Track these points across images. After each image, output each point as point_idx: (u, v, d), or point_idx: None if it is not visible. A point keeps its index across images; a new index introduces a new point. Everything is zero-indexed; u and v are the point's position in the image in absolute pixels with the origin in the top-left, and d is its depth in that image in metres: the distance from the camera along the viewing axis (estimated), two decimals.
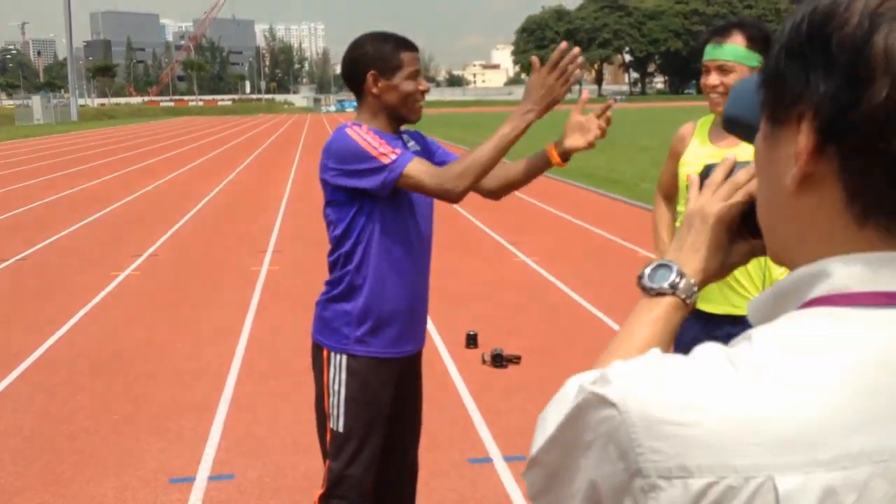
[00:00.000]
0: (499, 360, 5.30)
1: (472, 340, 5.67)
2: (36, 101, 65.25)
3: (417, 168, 2.41)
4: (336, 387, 2.53)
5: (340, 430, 2.53)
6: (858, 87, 0.64)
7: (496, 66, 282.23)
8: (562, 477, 0.75)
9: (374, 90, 2.52)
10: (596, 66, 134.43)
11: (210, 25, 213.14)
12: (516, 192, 2.89)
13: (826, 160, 0.68)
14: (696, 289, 0.90)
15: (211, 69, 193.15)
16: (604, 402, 0.68)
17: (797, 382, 0.64)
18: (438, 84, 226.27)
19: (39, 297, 7.42)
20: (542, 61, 2.37)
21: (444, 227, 11.46)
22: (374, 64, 2.50)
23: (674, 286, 0.89)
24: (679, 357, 0.69)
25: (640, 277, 0.94)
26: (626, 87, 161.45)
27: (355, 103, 2.65)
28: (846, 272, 0.68)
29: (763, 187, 0.77)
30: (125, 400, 4.85)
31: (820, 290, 0.69)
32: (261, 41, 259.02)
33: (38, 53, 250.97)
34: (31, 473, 3.91)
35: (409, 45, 2.55)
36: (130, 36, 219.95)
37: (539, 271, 8.10)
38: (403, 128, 2.67)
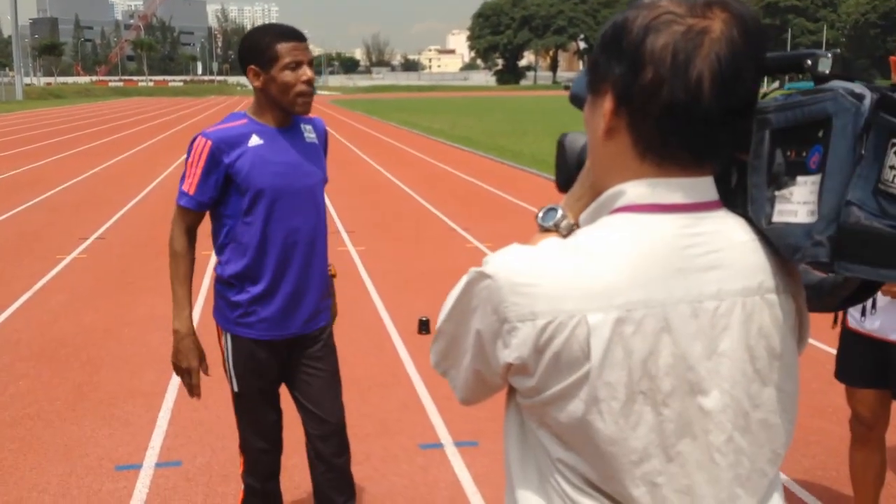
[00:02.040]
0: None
1: (424, 326, 5.66)
2: None
3: (176, 213, 2.69)
4: (228, 357, 2.81)
5: (236, 389, 2.82)
6: (636, 71, 1.00)
7: (452, 52, 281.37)
8: (458, 339, 1.11)
9: (257, 84, 2.58)
10: (551, 53, 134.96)
11: (160, 4, 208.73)
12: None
13: (620, 118, 1.03)
14: (574, 225, 1.16)
15: (161, 49, 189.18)
16: (483, 275, 1.04)
17: (599, 256, 1.01)
18: (394, 68, 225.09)
19: None
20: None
21: (396, 213, 11.43)
22: (253, 58, 2.56)
23: (556, 224, 1.16)
24: (535, 245, 1.04)
25: (536, 217, 1.25)
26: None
27: None
28: (634, 191, 1.04)
29: (589, 140, 1.11)
30: (70, 386, 4.75)
31: (619, 203, 1.05)
32: (213, 21, 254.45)
33: None
34: None
35: (287, 36, 2.56)
36: (78, 14, 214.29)
37: None
38: (310, 116, 2.76)
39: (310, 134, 2.74)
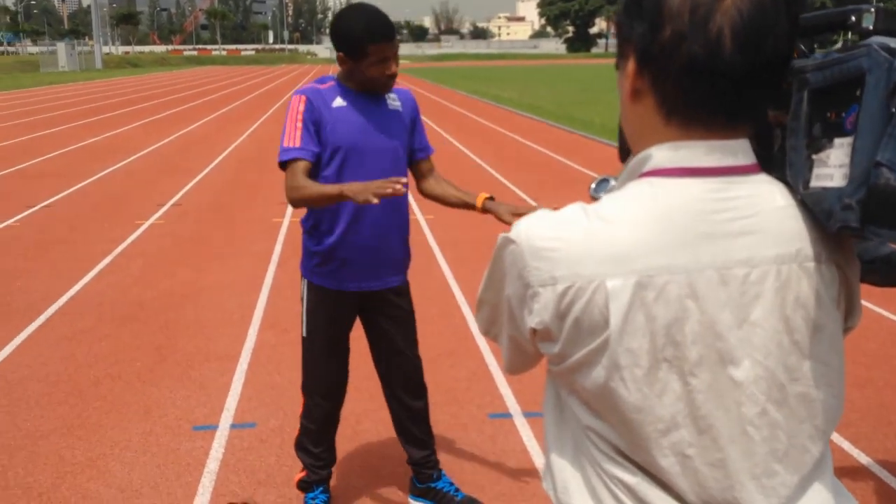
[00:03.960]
0: None
1: None
2: (61, 48, 65.18)
3: (290, 168, 2.70)
4: (303, 302, 2.98)
5: (305, 334, 3.01)
6: (656, 29, 0.98)
7: (521, 19, 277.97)
8: (497, 306, 1.12)
9: (344, 67, 2.74)
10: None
11: None
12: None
13: (643, 78, 1.02)
14: None
15: (234, 18, 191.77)
16: (509, 240, 1.06)
17: (619, 221, 0.99)
18: (462, 36, 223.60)
19: (64, 245, 7.48)
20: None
21: (464, 182, 11.39)
22: (343, 47, 2.69)
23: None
24: (560, 209, 1.04)
25: (590, 188, 1.28)
26: None
27: None
28: (659, 155, 1.02)
29: (620, 103, 1.09)
30: (149, 348, 4.91)
31: (646, 167, 1.03)
32: None
33: (63, 0, 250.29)
34: (57, 418, 3.98)
35: (377, 38, 2.64)
36: None
37: None
38: (398, 87, 2.90)
39: (394, 102, 2.87)
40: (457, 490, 3.22)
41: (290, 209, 9.02)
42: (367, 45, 2.63)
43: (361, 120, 2.75)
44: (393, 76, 2.73)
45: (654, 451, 1.00)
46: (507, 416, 3.96)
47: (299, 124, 2.70)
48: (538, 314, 1.01)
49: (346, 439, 3.68)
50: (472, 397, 4.19)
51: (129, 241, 7.63)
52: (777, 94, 1.01)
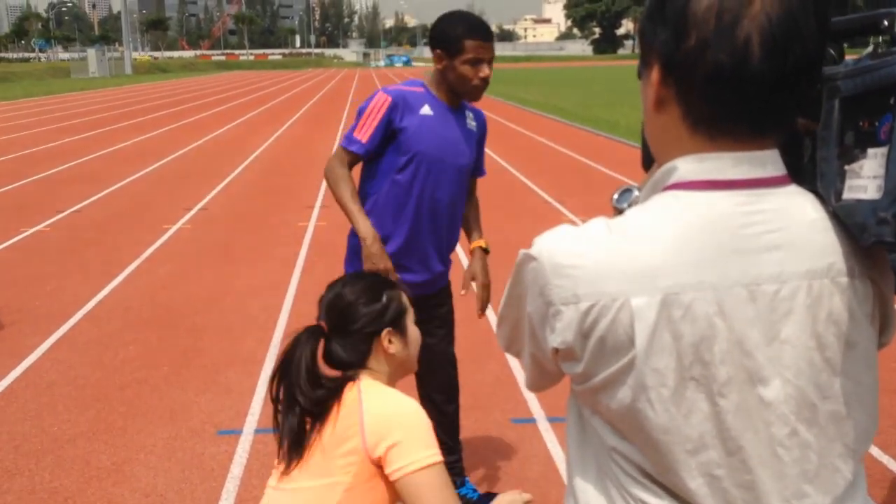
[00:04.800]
0: None
1: None
2: (91, 54, 66.11)
3: (339, 151, 2.85)
4: None
5: None
6: (680, 36, 0.94)
7: (547, 21, 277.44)
8: (518, 322, 1.08)
9: (439, 66, 2.82)
10: None
11: None
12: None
13: (668, 88, 0.97)
14: None
15: (261, 23, 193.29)
16: (529, 257, 1.02)
17: (644, 237, 0.96)
18: None
19: (93, 249, 7.57)
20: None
21: (489, 184, 11.38)
22: (440, 44, 2.79)
23: (632, 205, 1.13)
24: (581, 225, 1.00)
25: (612, 199, 1.25)
26: None
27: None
28: (685, 167, 0.98)
29: (644, 114, 1.05)
30: (175, 352, 4.94)
31: (671, 180, 0.99)
32: None
33: (94, 6, 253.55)
34: (84, 422, 4.02)
35: (476, 34, 2.76)
36: None
37: None
38: (478, 106, 3.01)
39: (471, 122, 2.97)
40: (480, 497, 3.20)
41: (315, 213, 9.06)
42: (463, 41, 2.73)
43: (444, 132, 2.84)
44: (485, 80, 2.79)
45: (683, 472, 0.97)
46: (531, 420, 3.94)
47: (376, 123, 2.77)
48: (561, 333, 0.98)
49: None
50: (497, 402, 4.17)
51: (156, 245, 7.70)
52: (806, 102, 0.97)
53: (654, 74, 0.98)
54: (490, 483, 3.39)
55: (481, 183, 3.22)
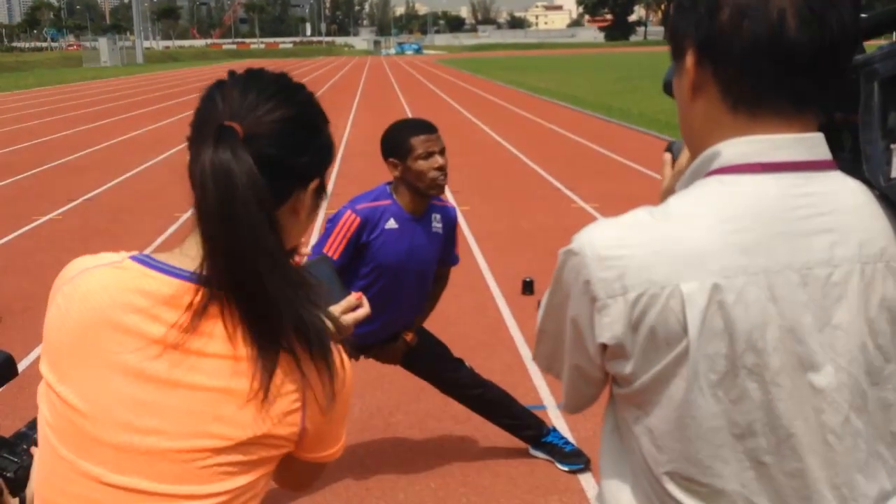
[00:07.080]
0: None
1: (528, 287, 5.64)
2: (103, 43, 66.27)
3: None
4: None
5: None
6: (713, 13, 0.93)
7: (559, 8, 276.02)
8: (559, 335, 1.04)
9: (396, 173, 2.96)
10: (663, 6, 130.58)
11: None
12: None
13: (704, 69, 0.96)
14: None
15: (272, 11, 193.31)
16: (570, 253, 0.98)
17: (690, 221, 0.93)
18: (499, 26, 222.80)
19: (105, 238, 7.60)
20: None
21: (501, 173, 11.36)
22: (391, 153, 2.94)
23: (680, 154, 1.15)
24: (622, 215, 0.97)
25: (670, 145, 1.22)
26: None
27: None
28: (729, 152, 0.96)
29: (679, 109, 1.03)
30: None
31: (715, 165, 0.97)
32: None
33: None
34: None
35: (419, 130, 2.93)
36: None
37: (598, 218, 7.98)
38: (445, 204, 3.14)
39: (437, 224, 3.11)
40: (566, 443, 3.44)
41: (324, 203, 9.06)
42: (409, 139, 2.89)
43: (406, 244, 2.99)
44: (441, 169, 2.90)
45: (732, 459, 0.94)
46: (542, 407, 3.94)
47: (346, 241, 2.92)
48: (609, 328, 0.94)
49: (379, 431, 3.69)
50: (507, 389, 4.15)
51: (168, 232, 7.73)
52: (844, 84, 0.97)
53: (689, 59, 0.97)
54: (500, 468, 3.40)
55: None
